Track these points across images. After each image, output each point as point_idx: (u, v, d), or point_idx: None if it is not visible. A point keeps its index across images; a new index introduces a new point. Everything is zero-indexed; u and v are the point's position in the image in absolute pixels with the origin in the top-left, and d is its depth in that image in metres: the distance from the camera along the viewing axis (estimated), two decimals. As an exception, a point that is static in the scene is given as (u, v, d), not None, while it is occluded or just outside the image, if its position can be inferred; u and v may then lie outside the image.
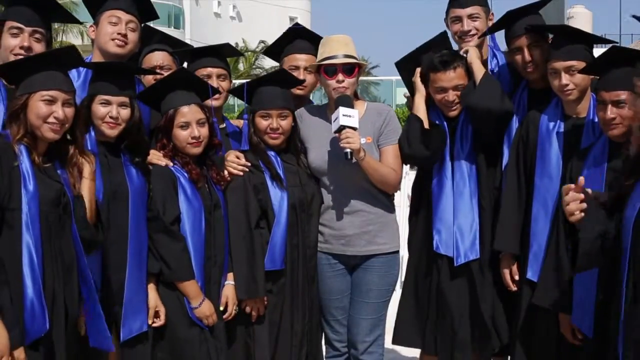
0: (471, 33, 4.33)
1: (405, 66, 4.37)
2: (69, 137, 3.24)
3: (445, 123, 4.21)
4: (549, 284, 3.77)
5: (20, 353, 2.99)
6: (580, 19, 43.40)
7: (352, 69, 4.03)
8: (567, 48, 3.81)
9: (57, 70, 3.18)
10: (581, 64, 3.78)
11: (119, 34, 3.97)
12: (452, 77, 4.10)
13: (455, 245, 4.16)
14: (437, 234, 4.18)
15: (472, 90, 4.07)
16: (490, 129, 4.12)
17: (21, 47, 3.64)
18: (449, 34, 4.41)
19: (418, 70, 4.25)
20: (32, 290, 3.03)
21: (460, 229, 4.16)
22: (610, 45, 3.66)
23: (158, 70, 4.30)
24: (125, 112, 3.55)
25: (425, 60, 4.19)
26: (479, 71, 4.10)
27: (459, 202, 4.17)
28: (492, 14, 4.42)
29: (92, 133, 3.53)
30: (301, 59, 4.43)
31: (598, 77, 3.69)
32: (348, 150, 3.86)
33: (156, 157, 3.77)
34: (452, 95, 4.12)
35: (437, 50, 4.18)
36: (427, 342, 4.30)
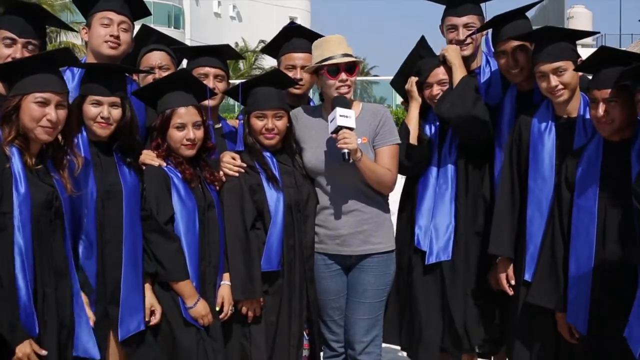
0: (467, 42, 4.39)
1: (399, 81, 4.53)
2: (60, 138, 3.23)
3: (438, 124, 4.35)
4: (543, 282, 3.78)
5: (26, 346, 2.99)
6: (580, 19, 43.41)
7: (354, 67, 4.04)
8: (551, 49, 3.83)
9: (50, 72, 3.16)
10: (568, 64, 3.80)
11: (111, 35, 3.96)
12: (435, 74, 4.30)
13: (429, 245, 4.26)
14: (418, 230, 4.31)
15: (442, 98, 4.24)
16: (467, 135, 4.23)
17: (13, 58, 3.64)
18: (446, 41, 4.48)
19: (412, 79, 4.39)
20: (25, 294, 3.01)
21: (436, 229, 4.28)
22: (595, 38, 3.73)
23: (156, 70, 4.31)
24: (116, 112, 3.55)
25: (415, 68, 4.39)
26: (457, 76, 4.25)
27: (439, 203, 4.30)
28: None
29: (84, 133, 3.53)
30: (298, 58, 4.43)
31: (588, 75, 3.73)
32: (345, 150, 3.86)
33: (149, 157, 3.77)
34: (436, 90, 4.28)
35: (424, 55, 4.41)
36: (404, 339, 4.38)
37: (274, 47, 4.62)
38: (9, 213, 3.02)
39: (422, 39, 4.49)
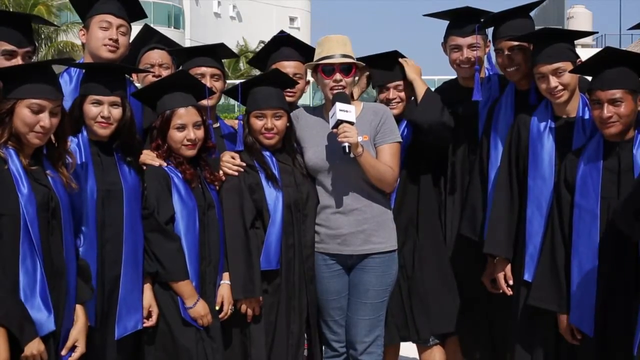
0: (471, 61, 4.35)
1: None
2: (53, 139, 3.21)
3: None
4: (544, 284, 3.77)
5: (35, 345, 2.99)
6: (580, 19, 43.41)
7: (350, 68, 4.04)
8: (550, 50, 3.82)
9: (47, 81, 3.15)
10: (567, 64, 3.80)
11: (110, 39, 3.98)
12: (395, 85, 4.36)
13: None
14: None
15: (414, 106, 4.29)
16: (435, 138, 4.25)
17: None
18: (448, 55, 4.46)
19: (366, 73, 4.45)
20: (42, 295, 3.00)
21: None
22: (593, 38, 3.72)
23: (156, 68, 4.31)
24: (116, 112, 3.55)
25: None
26: (420, 88, 4.29)
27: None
28: (490, 41, 4.41)
29: (85, 133, 3.54)
30: (289, 66, 4.42)
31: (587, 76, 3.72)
32: (346, 144, 3.86)
33: (149, 157, 3.77)
34: (392, 93, 4.34)
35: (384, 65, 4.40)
36: None
37: (263, 57, 4.62)
38: (9, 215, 3.00)
39: (396, 52, 4.45)
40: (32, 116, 3.09)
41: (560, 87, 3.82)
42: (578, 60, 3.85)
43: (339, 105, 3.90)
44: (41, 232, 3.07)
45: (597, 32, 18.10)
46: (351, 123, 3.88)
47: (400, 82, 4.34)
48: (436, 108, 4.23)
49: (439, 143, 4.31)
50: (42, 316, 3.02)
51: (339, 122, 3.88)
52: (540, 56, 3.84)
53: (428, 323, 4.35)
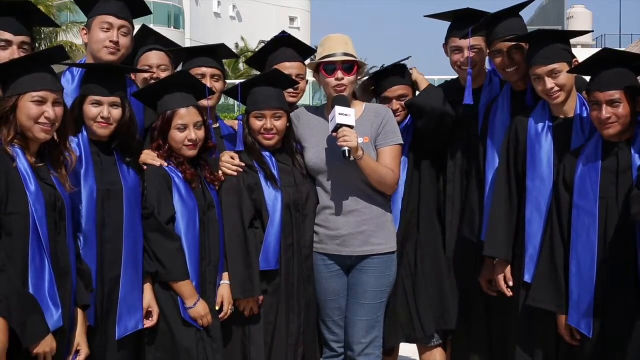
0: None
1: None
2: (56, 137, 3.23)
3: None
4: (543, 284, 3.77)
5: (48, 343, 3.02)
6: (580, 19, 43.45)
7: (352, 67, 4.04)
8: (545, 52, 3.82)
9: (44, 71, 3.17)
10: (563, 65, 3.80)
11: (111, 41, 3.97)
12: (396, 89, 4.37)
13: None
14: None
15: (417, 95, 4.34)
16: (436, 125, 4.27)
17: None
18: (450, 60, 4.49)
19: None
20: (51, 294, 3.03)
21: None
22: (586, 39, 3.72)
23: (155, 70, 4.30)
24: (116, 112, 3.56)
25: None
26: (424, 85, 4.36)
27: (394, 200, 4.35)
28: None
29: (85, 133, 3.54)
30: (291, 67, 4.41)
31: (585, 76, 3.72)
32: (346, 148, 3.87)
33: (150, 157, 3.78)
34: (395, 105, 4.35)
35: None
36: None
37: (262, 57, 4.61)
38: (18, 214, 3.02)
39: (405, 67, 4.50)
40: (36, 108, 3.11)
41: (556, 89, 3.82)
42: (574, 60, 3.86)
43: (338, 109, 3.90)
44: (49, 232, 3.09)
45: (593, 31, 18.17)
46: (351, 127, 3.89)
47: (404, 92, 4.35)
48: (439, 96, 4.27)
49: (439, 131, 4.30)
50: (51, 313, 3.05)
51: (339, 126, 3.88)
52: (536, 58, 3.84)
53: (433, 318, 4.36)
